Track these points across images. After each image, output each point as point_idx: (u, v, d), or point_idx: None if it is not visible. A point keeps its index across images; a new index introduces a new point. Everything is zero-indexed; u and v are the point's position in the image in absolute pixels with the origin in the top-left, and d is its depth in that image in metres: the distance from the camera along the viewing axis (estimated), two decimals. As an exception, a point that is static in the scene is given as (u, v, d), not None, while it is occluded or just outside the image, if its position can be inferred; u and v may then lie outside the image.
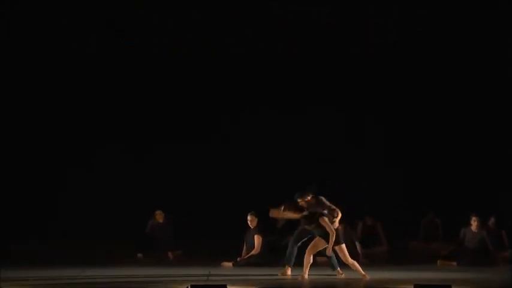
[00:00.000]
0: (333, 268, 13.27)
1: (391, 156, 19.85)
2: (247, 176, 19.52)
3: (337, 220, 13.02)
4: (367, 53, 19.66)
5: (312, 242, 12.97)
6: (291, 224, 15.90)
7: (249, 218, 15.25)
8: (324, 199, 13.32)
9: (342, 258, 12.88)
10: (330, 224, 12.71)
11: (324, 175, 18.23)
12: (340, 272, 13.18)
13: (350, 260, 12.85)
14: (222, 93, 19.86)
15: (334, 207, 13.15)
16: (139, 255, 16.32)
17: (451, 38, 19.55)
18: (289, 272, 13.54)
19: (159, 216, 17.05)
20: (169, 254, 16.42)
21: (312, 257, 12.94)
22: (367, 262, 14.95)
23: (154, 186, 19.43)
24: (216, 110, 19.97)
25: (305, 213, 12.97)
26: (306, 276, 12.90)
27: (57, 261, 14.69)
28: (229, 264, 14.77)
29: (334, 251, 12.83)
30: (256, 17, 19.61)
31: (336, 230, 12.78)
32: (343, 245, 12.83)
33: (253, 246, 15.08)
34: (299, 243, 13.66)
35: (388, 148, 19.96)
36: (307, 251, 12.97)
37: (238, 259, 14.95)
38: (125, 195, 19.29)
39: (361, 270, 12.85)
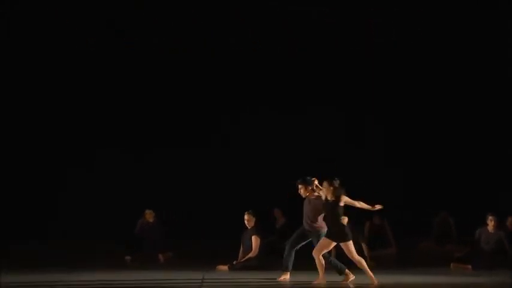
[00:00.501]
0: (340, 272, 12.52)
1: (391, 156, 19.83)
2: (247, 176, 19.51)
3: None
4: (367, 53, 19.66)
5: (318, 243, 12.28)
6: (291, 224, 15.74)
7: (246, 217, 14.34)
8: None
9: (348, 255, 12.15)
10: (353, 201, 12.11)
11: (323, 175, 18.10)
12: (350, 274, 12.43)
13: (356, 257, 12.14)
14: (222, 93, 19.86)
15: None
16: (127, 257, 15.40)
17: (451, 38, 19.54)
18: (288, 276, 12.83)
19: (149, 216, 16.16)
20: (160, 257, 15.53)
21: (322, 259, 12.25)
22: (375, 265, 14.18)
23: (154, 186, 19.42)
24: (216, 110, 19.96)
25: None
26: (324, 280, 12.22)
27: (47, 263, 14.36)
28: (225, 267, 13.93)
29: (339, 248, 12.27)
30: (256, 17, 19.60)
31: (344, 226, 12.15)
32: (350, 242, 12.10)
33: (250, 248, 14.19)
34: (297, 248, 12.88)
35: (388, 148, 19.94)
36: (314, 253, 12.23)
37: (234, 262, 14.08)
38: (124, 195, 19.28)
39: (368, 270, 12.19)
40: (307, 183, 12.84)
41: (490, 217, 14.60)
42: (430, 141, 19.91)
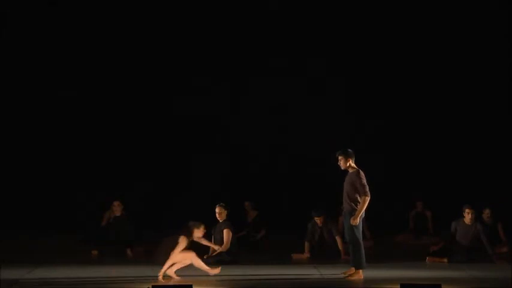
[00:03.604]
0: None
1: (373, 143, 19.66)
2: (247, 175, 19.52)
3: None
4: (367, 53, 19.65)
5: None
6: (264, 217, 15.62)
7: (217, 210, 14.05)
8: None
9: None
10: None
11: (323, 175, 18.08)
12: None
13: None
14: (221, 93, 19.85)
15: None
16: (94, 252, 15.04)
17: (451, 37, 19.52)
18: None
19: (116, 208, 15.60)
20: (128, 251, 14.96)
21: None
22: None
23: (154, 186, 19.44)
24: (215, 110, 19.93)
25: None
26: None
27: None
28: None
29: None
30: (257, 17, 19.60)
31: None
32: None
33: (221, 242, 13.91)
34: None
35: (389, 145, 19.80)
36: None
37: (205, 256, 13.58)
38: (124, 195, 19.26)
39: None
40: (347, 155, 11.99)
41: (467, 209, 14.06)
42: (415, 131, 19.78)
